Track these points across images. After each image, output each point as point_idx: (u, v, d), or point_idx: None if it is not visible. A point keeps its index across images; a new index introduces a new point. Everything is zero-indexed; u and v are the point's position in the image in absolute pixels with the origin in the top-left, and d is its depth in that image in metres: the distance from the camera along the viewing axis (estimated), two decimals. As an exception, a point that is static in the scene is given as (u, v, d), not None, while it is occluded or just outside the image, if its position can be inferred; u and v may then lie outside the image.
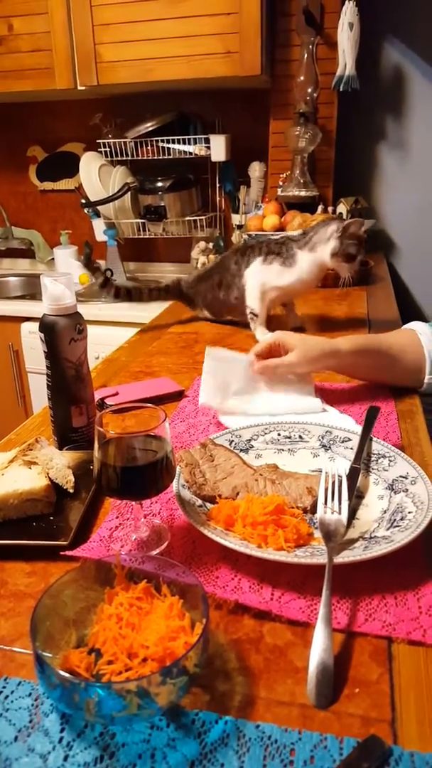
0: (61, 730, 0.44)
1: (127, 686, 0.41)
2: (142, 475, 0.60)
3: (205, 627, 0.45)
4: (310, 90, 2.01)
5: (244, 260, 1.32)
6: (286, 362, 0.94)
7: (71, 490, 0.72)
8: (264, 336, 1.30)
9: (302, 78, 2.01)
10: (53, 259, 2.58)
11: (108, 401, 0.98)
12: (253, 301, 1.31)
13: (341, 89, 1.98)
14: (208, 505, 0.67)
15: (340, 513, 0.62)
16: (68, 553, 0.62)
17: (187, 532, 0.65)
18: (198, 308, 1.47)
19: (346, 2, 1.89)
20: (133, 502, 0.64)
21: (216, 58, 1.91)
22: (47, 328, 0.78)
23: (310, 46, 1.99)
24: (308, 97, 2.02)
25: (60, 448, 0.83)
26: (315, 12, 1.96)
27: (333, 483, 0.66)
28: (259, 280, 1.29)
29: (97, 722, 0.44)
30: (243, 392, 0.95)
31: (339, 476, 0.67)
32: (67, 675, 0.42)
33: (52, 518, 0.68)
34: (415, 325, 1.03)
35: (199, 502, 0.67)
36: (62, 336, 0.78)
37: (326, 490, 0.65)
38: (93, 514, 0.70)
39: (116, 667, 0.46)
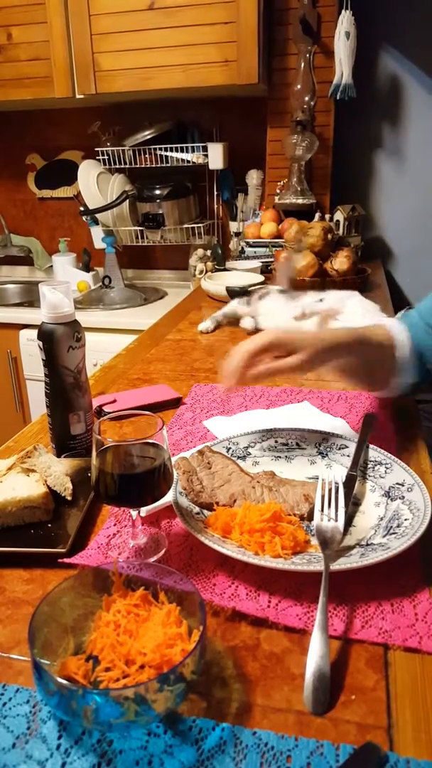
0: (59, 737, 0.44)
1: (125, 693, 0.41)
2: (140, 483, 0.60)
3: (203, 634, 0.45)
4: (307, 98, 2.03)
5: None
6: (294, 362, 0.72)
7: (69, 498, 0.72)
8: None
9: (299, 86, 2.02)
10: (52, 266, 2.58)
11: (106, 408, 0.98)
12: None
13: (338, 97, 1.99)
14: (206, 512, 0.67)
15: (336, 520, 0.62)
16: (66, 560, 0.62)
17: (184, 540, 0.65)
18: None
19: (343, 11, 1.91)
20: (131, 510, 0.64)
21: (213, 67, 1.92)
22: (45, 336, 0.78)
23: (307, 55, 2.00)
24: (305, 106, 2.03)
25: (58, 456, 0.83)
26: (312, 21, 1.98)
27: (330, 490, 0.66)
28: None
29: (95, 729, 0.44)
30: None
31: (336, 483, 0.67)
32: (64, 682, 0.42)
33: (50, 525, 0.68)
34: (390, 326, 0.86)
35: (197, 509, 0.68)
36: (60, 344, 0.78)
37: (323, 497, 0.65)
38: (91, 522, 0.70)
39: (114, 674, 0.46)
